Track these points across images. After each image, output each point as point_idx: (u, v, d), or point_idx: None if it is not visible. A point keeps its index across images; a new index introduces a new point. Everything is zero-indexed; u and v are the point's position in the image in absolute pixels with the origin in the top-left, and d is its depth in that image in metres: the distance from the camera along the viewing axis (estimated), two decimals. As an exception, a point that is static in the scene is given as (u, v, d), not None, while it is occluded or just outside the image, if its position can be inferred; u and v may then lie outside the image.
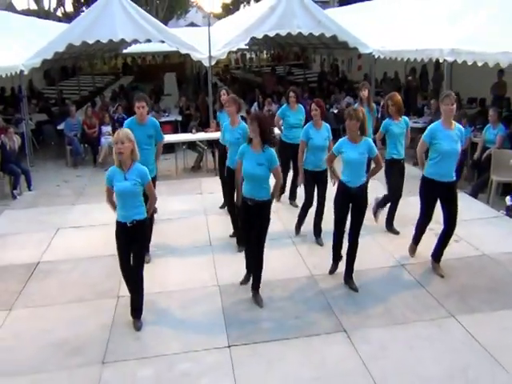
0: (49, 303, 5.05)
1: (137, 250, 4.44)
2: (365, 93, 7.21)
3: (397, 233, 6.41)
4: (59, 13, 32.20)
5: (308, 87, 15.40)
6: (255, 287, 4.92)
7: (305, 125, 6.36)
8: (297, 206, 7.29)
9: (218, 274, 5.48)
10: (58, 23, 19.78)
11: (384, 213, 6.55)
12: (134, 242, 4.40)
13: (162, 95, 16.12)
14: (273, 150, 4.67)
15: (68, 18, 31.13)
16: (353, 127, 4.87)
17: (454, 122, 5.12)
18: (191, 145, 10.13)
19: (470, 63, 7.73)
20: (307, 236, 6.33)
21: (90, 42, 10.12)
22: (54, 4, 29.39)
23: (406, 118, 6.32)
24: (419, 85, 13.94)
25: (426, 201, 5.34)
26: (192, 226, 6.88)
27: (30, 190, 8.86)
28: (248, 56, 32.24)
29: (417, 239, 5.67)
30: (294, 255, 5.89)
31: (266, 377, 3.88)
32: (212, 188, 8.33)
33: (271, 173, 4.71)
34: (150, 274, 5.15)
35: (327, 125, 6.14)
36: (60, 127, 11.32)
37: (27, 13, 23.55)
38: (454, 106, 4.99)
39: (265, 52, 30.69)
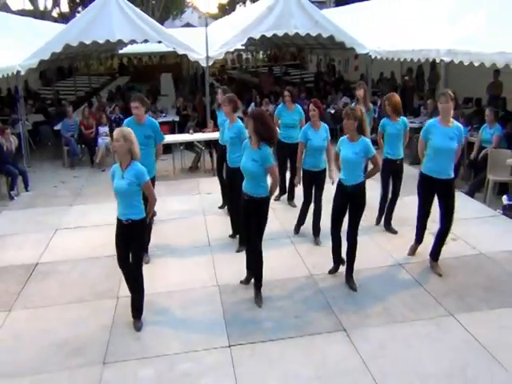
0: (48, 304, 5.04)
1: (134, 249, 4.45)
2: (360, 92, 7.25)
3: (395, 232, 6.44)
4: (55, 13, 32.09)
5: (305, 87, 15.42)
6: (256, 286, 4.94)
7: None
8: (295, 206, 7.32)
9: (217, 274, 5.50)
10: (54, 23, 19.75)
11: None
12: (131, 241, 4.41)
13: (159, 95, 16.10)
14: (268, 149, 4.66)
15: (64, 18, 31.11)
16: (350, 126, 4.90)
17: (453, 120, 5.14)
18: (189, 145, 10.13)
19: (466, 63, 7.77)
20: (306, 236, 6.35)
21: (87, 42, 10.11)
22: (49, 4, 29.27)
23: (405, 119, 6.33)
24: (416, 85, 13.99)
25: (422, 196, 5.40)
26: (191, 227, 6.88)
27: (27, 190, 8.84)
28: (244, 56, 32.25)
29: (417, 237, 5.69)
30: (292, 255, 5.91)
31: (267, 376, 3.90)
32: (210, 188, 8.36)
33: (267, 172, 4.72)
34: (150, 274, 5.16)
35: (326, 125, 6.14)
36: (57, 128, 11.30)
37: (22, 13, 23.45)
38: (451, 103, 5.01)
39: (261, 52, 30.69)
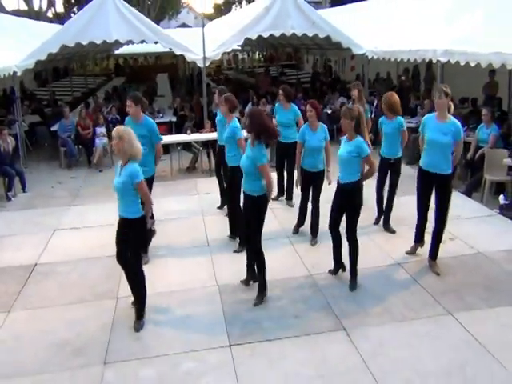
0: (48, 304, 5.04)
1: (131, 248, 4.50)
2: (354, 92, 7.29)
3: (393, 232, 6.46)
4: (50, 13, 31.97)
5: (301, 88, 15.45)
6: (259, 285, 4.95)
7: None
8: (293, 206, 7.34)
9: (216, 273, 5.51)
10: (50, 24, 19.69)
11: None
12: (127, 238, 4.46)
13: (156, 96, 16.10)
14: (262, 148, 4.68)
15: (59, 18, 30.99)
16: (347, 126, 4.94)
17: (450, 116, 5.16)
18: (186, 145, 10.13)
19: (462, 64, 7.81)
20: (305, 235, 6.37)
21: (84, 43, 10.08)
22: (44, 4, 29.16)
23: (401, 119, 6.33)
24: (412, 85, 14.04)
25: (419, 191, 5.45)
26: (190, 227, 6.89)
27: (24, 191, 8.82)
28: (240, 56, 32.27)
29: (416, 236, 5.72)
30: (291, 255, 5.93)
31: (268, 375, 3.92)
32: (208, 188, 8.37)
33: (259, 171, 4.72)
34: (150, 274, 5.13)
35: (324, 126, 6.14)
36: (53, 128, 11.27)
37: (17, 13, 23.36)
38: (444, 99, 5.04)
39: (257, 53, 30.71)
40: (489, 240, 6.10)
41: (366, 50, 11.14)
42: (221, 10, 47.44)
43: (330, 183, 6.03)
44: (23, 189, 8.83)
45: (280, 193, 7.74)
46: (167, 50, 11.03)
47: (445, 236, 5.53)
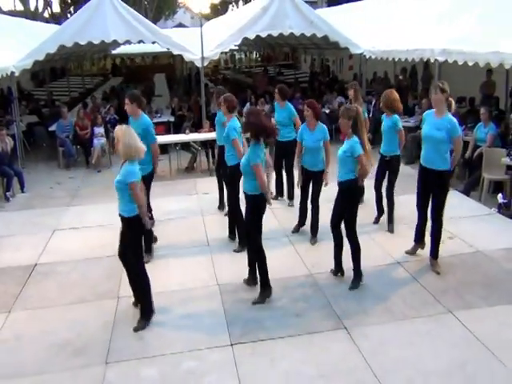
0: (48, 305, 5.04)
1: (130, 247, 4.52)
2: (351, 92, 7.32)
3: (392, 231, 6.47)
4: (46, 14, 31.90)
5: (299, 87, 15.46)
6: (261, 284, 4.96)
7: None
8: (293, 206, 7.35)
9: (217, 273, 5.51)
10: (47, 24, 19.63)
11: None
12: (125, 236, 4.52)
13: (153, 96, 16.09)
14: (256, 147, 4.69)
15: (55, 18, 30.93)
16: (344, 125, 4.96)
17: (447, 113, 5.16)
18: (185, 145, 10.13)
19: (460, 63, 7.82)
20: (304, 235, 6.38)
21: (82, 43, 10.07)
22: (40, 5, 29.10)
23: (396, 117, 6.27)
24: (410, 84, 14.07)
25: (417, 187, 5.47)
26: (189, 227, 6.89)
27: (23, 191, 8.80)
28: (237, 56, 32.29)
29: (416, 236, 5.73)
30: (291, 254, 5.93)
31: (269, 374, 3.92)
32: (207, 188, 8.36)
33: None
34: (150, 274, 5.11)
35: (324, 126, 6.11)
36: (51, 128, 11.25)
37: (13, 14, 23.28)
38: (440, 95, 5.07)
39: (254, 52, 30.74)
40: (487, 239, 6.12)
41: (363, 50, 11.16)
42: (217, 10, 47.45)
43: (326, 184, 6.04)
44: (22, 189, 8.81)
45: (278, 193, 7.74)
46: (164, 49, 11.01)
47: (444, 235, 5.54)
